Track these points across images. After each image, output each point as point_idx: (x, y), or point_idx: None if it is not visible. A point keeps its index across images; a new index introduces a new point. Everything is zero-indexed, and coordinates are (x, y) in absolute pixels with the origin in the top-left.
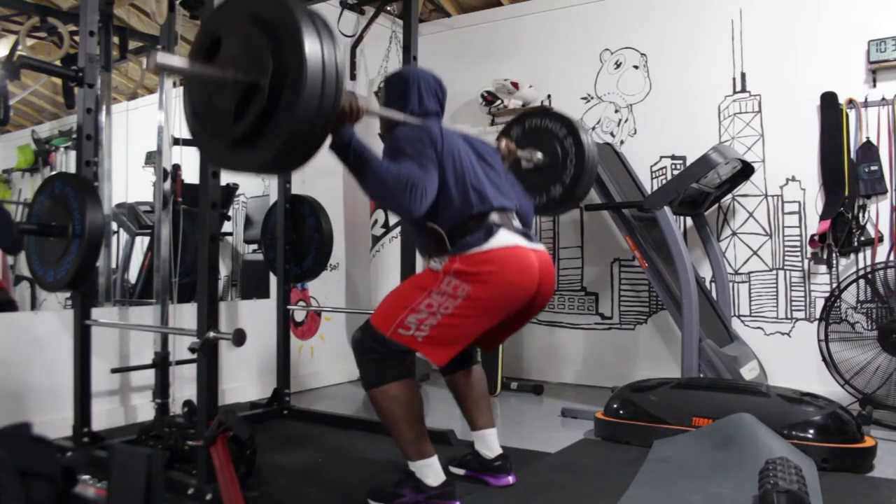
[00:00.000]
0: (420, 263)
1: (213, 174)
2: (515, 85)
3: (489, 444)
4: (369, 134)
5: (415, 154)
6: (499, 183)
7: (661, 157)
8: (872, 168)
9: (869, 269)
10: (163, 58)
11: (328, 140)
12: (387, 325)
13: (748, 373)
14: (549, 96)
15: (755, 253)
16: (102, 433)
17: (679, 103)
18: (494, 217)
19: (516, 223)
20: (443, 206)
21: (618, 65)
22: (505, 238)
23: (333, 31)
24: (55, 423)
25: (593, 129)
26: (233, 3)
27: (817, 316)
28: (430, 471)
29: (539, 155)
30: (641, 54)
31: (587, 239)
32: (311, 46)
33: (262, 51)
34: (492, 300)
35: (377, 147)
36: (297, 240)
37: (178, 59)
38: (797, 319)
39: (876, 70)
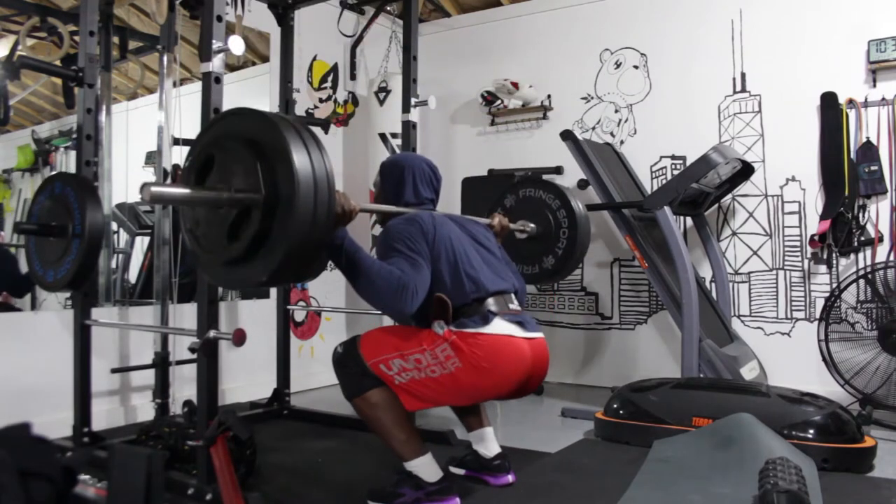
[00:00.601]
0: None
1: None
2: (515, 85)
3: (487, 443)
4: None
5: (406, 250)
6: (495, 265)
7: (661, 157)
8: (872, 168)
9: (869, 269)
10: (157, 189)
11: None
12: (372, 356)
13: (748, 373)
14: (549, 96)
15: (755, 253)
16: (102, 433)
17: (679, 103)
18: (490, 303)
19: (514, 305)
20: (439, 292)
21: (618, 65)
22: (500, 327)
23: (319, 142)
24: (55, 423)
25: (593, 129)
26: (225, 122)
27: (817, 316)
28: (427, 468)
29: (532, 225)
30: (641, 54)
31: None
32: (302, 167)
33: (253, 172)
34: (475, 388)
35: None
36: None
37: (171, 189)
38: (797, 319)
39: (876, 70)
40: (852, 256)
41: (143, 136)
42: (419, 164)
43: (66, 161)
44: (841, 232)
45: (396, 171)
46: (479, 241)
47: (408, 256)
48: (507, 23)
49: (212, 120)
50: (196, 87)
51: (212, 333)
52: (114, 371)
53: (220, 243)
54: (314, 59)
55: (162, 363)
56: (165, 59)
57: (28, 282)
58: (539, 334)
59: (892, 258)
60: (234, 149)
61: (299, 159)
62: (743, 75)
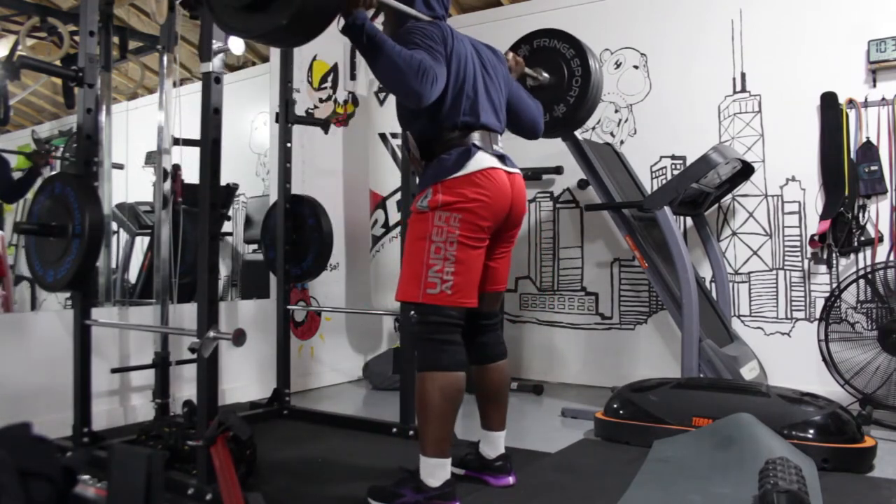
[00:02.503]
0: None
1: (213, 174)
2: None
3: (496, 446)
4: None
5: (426, 46)
6: (495, 99)
7: (661, 157)
8: (872, 168)
9: (869, 269)
10: None
11: (341, 22)
12: (415, 293)
13: (748, 373)
14: None
15: (755, 253)
16: (102, 433)
17: (679, 103)
18: (475, 137)
19: (497, 147)
20: (435, 107)
21: (618, 65)
22: (482, 160)
23: None
24: (55, 423)
25: (593, 129)
26: None
27: (817, 316)
28: (438, 471)
29: (545, 74)
30: (641, 54)
31: (587, 239)
32: None
33: None
34: (479, 217)
35: None
36: (297, 240)
37: None
38: (797, 319)
39: (876, 70)
40: (852, 256)
41: (143, 136)
42: None
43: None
44: (841, 232)
45: None
46: (489, 71)
47: (429, 49)
48: (507, 23)
49: None
50: (196, 87)
51: (212, 333)
52: (114, 371)
53: None
54: (314, 59)
55: (162, 363)
56: (165, 59)
57: (20, 187)
58: (517, 170)
59: (892, 258)
60: None
61: None
62: (743, 75)
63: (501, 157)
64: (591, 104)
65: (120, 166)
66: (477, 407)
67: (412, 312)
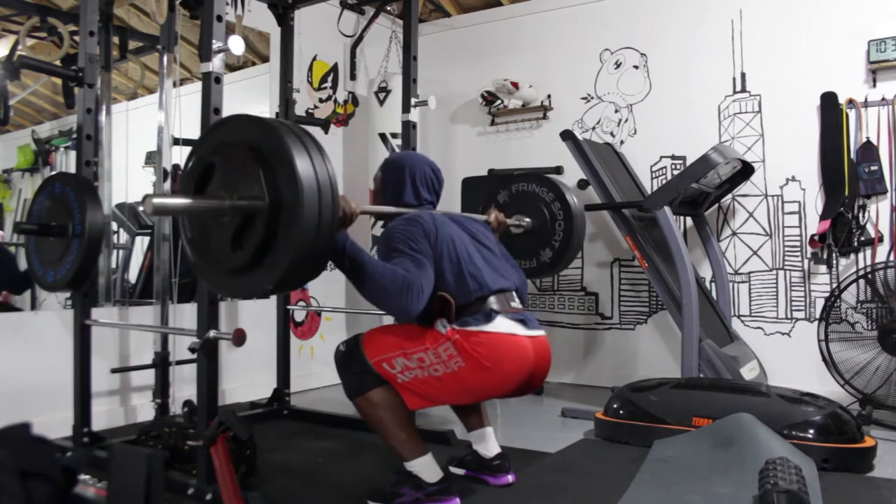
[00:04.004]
0: None
1: None
2: (515, 85)
3: (486, 443)
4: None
5: (409, 251)
6: (496, 264)
7: (661, 157)
8: (872, 168)
9: (869, 269)
10: (159, 201)
11: None
12: (375, 354)
13: (748, 373)
14: (549, 96)
15: (755, 253)
16: (102, 433)
17: (679, 103)
18: (493, 302)
19: (515, 303)
20: (442, 291)
21: (618, 65)
22: (503, 326)
23: (320, 146)
24: (55, 423)
25: (593, 129)
26: (223, 130)
27: (817, 316)
28: (427, 468)
29: (527, 220)
30: (641, 54)
31: (587, 239)
32: (305, 173)
33: (256, 179)
34: (478, 386)
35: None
36: None
37: (173, 200)
38: (797, 319)
39: (876, 70)
40: (852, 256)
41: (143, 136)
42: (420, 166)
43: (66, 161)
44: (841, 232)
45: (397, 171)
46: (479, 240)
47: (411, 256)
48: (507, 23)
49: (210, 127)
50: (196, 87)
51: (212, 333)
52: (114, 371)
53: (224, 252)
54: (314, 59)
55: (162, 363)
56: (165, 59)
57: (27, 279)
58: (541, 332)
59: (892, 258)
60: (235, 156)
61: (302, 165)
62: (743, 75)
63: (523, 321)
64: (577, 245)
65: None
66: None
67: (340, 343)
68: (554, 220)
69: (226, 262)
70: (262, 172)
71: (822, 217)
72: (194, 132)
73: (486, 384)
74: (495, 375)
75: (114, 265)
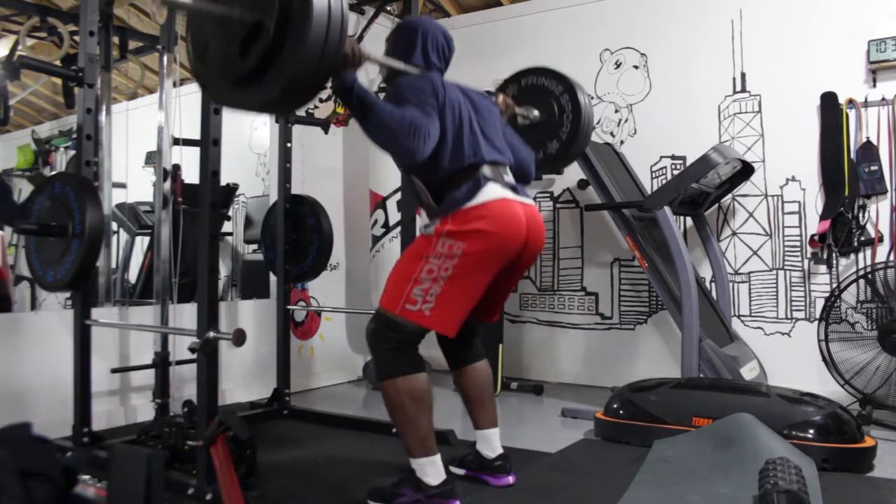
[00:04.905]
0: None
1: (213, 174)
2: None
3: (491, 444)
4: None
5: (417, 101)
6: (494, 137)
7: (661, 157)
8: (872, 168)
9: (869, 269)
10: None
11: (331, 83)
12: (394, 303)
13: (748, 373)
14: None
15: (755, 253)
16: (102, 433)
17: (679, 103)
18: (485, 170)
19: (507, 178)
20: (438, 156)
21: (618, 65)
22: (493, 191)
23: None
24: (55, 423)
25: (593, 129)
26: None
27: (817, 316)
28: (432, 469)
29: (535, 112)
30: (641, 54)
31: (587, 239)
32: None
33: None
34: (486, 252)
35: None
36: (297, 240)
37: None
38: (797, 319)
39: (876, 70)
40: (852, 256)
41: (143, 136)
42: (434, 30)
43: (66, 161)
44: (841, 232)
45: (410, 31)
46: (482, 114)
47: (419, 106)
48: (507, 23)
49: None
50: (196, 87)
51: (212, 333)
52: (114, 371)
53: (231, 59)
54: None
55: (162, 363)
56: (165, 59)
57: (22, 211)
58: (531, 201)
59: (892, 258)
60: None
61: None
62: (743, 75)
63: (514, 189)
64: (584, 138)
65: (122, 185)
66: (466, 410)
67: (370, 320)
68: (562, 112)
69: (232, 71)
70: None
71: (822, 217)
72: (194, 132)
73: (490, 251)
74: (494, 239)
75: (114, 265)
